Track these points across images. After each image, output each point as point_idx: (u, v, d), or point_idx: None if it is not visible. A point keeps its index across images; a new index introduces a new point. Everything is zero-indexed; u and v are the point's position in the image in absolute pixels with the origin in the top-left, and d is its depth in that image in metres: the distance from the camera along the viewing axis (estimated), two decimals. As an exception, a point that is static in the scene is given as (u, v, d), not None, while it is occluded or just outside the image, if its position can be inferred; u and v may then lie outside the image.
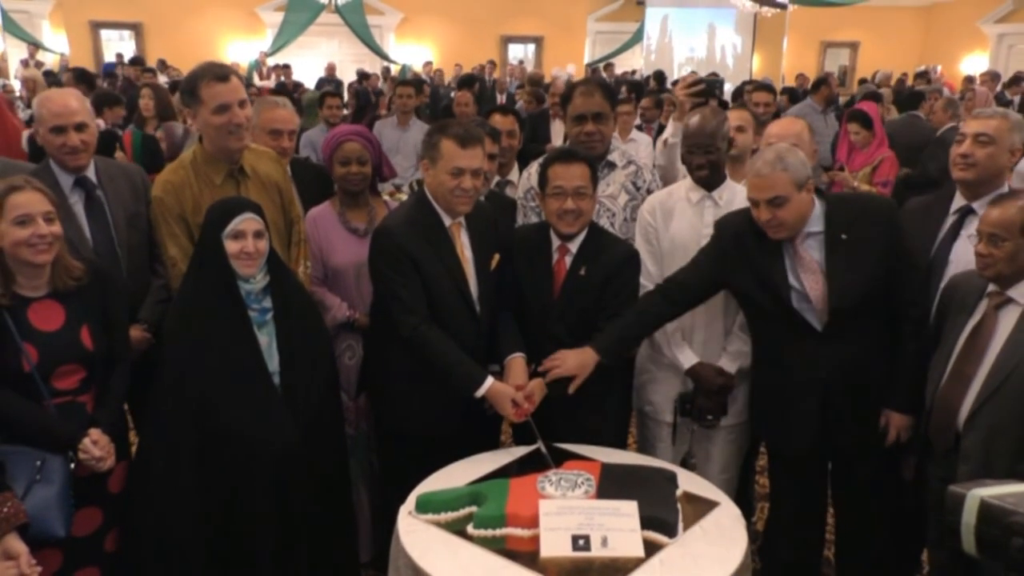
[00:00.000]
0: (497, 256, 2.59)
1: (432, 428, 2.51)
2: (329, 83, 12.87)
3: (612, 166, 2.94)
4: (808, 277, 2.38)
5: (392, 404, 2.61)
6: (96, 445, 2.21)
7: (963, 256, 2.47)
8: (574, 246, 2.61)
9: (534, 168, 2.94)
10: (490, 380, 2.41)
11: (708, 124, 2.66)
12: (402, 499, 2.16)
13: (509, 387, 2.43)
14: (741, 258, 2.45)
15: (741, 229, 2.47)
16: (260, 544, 2.30)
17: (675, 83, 11.38)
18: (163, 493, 2.25)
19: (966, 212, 2.53)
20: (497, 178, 3.46)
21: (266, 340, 2.32)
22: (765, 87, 6.42)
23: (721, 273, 2.50)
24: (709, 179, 2.69)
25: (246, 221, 2.28)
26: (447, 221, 2.49)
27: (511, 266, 2.63)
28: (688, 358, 2.69)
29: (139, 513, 2.30)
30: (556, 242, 2.61)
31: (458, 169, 2.38)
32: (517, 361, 2.53)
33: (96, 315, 2.29)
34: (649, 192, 2.94)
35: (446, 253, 2.47)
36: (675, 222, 2.72)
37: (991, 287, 2.22)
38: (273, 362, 2.33)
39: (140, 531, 2.29)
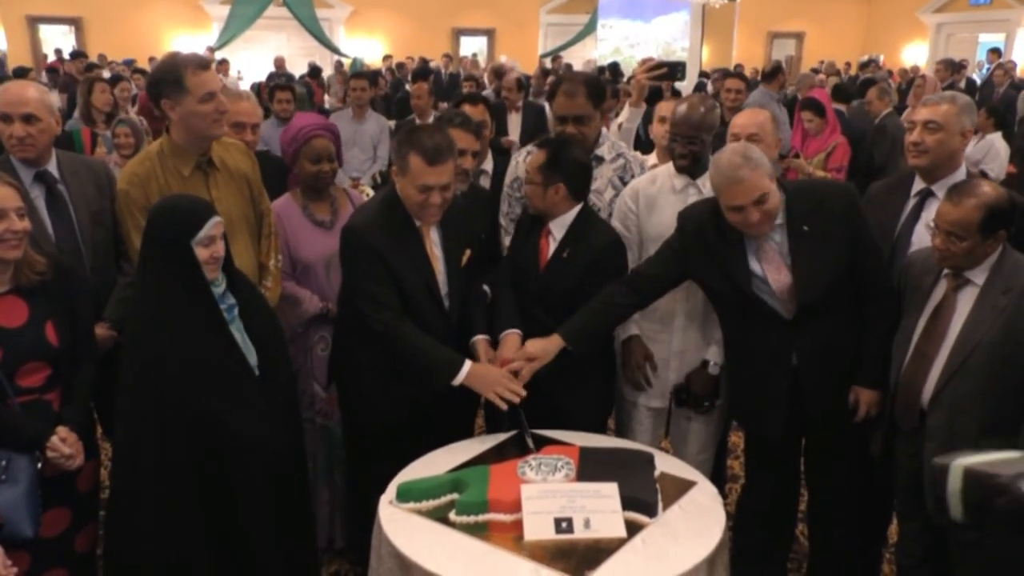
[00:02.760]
0: (468, 252, 2.57)
1: (401, 420, 2.50)
2: (279, 76, 12.63)
3: (600, 160, 2.90)
4: (771, 268, 2.40)
5: (361, 397, 2.59)
6: (65, 443, 2.16)
7: (925, 239, 2.53)
8: (558, 228, 2.63)
9: (522, 157, 2.94)
10: (468, 365, 2.39)
11: (694, 114, 2.66)
12: (374, 488, 2.16)
13: (491, 368, 2.41)
14: (704, 248, 2.46)
15: (703, 221, 2.48)
16: (262, 540, 2.27)
17: (630, 80, 11.50)
18: (158, 497, 2.17)
19: (926, 195, 2.60)
20: None
21: (239, 336, 2.29)
22: (737, 75, 6.40)
23: (684, 263, 2.52)
24: (691, 168, 2.70)
25: (216, 225, 2.21)
26: (417, 221, 2.46)
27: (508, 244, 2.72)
28: (626, 330, 2.73)
29: (129, 519, 2.21)
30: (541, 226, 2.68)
31: (425, 186, 2.34)
32: (511, 337, 2.52)
33: (61, 311, 2.22)
34: None
35: (415, 251, 2.44)
36: (658, 211, 2.73)
37: (946, 271, 2.27)
38: (252, 356, 2.29)
39: (133, 537, 2.21)
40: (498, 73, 10.35)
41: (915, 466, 2.28)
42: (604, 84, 3.32)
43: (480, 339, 2.53)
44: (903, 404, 2.32)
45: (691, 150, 2.66)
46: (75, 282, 2.31)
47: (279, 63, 14.51)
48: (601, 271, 2.57)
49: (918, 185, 2.63)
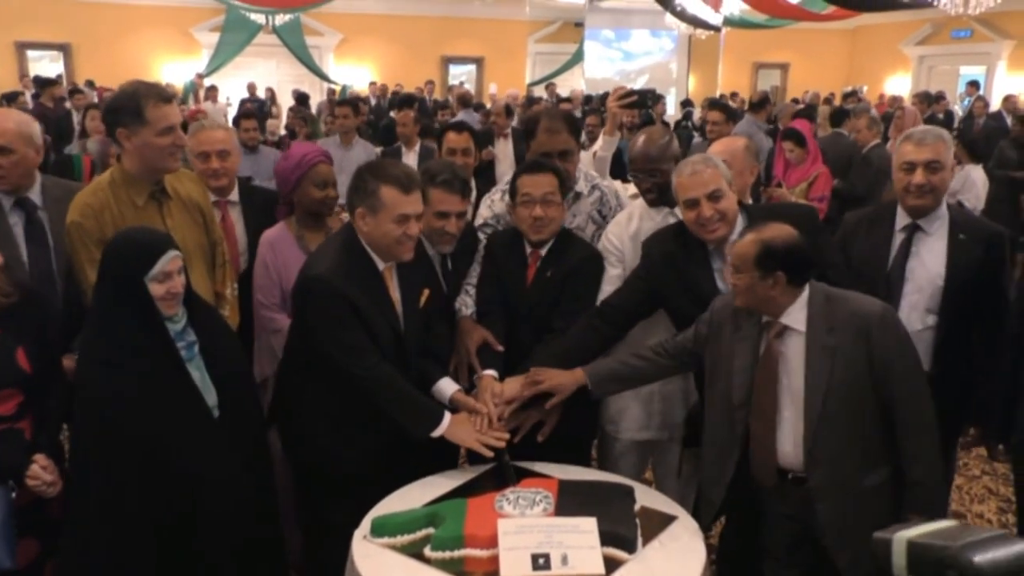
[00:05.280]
0: (427, 292, 2.53)
1: (369, 466, 2.39)
2: (252, 102, 12.54)
3: (579, 196, 2.89)
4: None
5: (318, 448, 2.43)
6: (45, 470, 2.13)
7: (920, 273, 2.58)
8: (544, 252, 2.66)
9: (497, 196, 2.93)
10: (448, 416, 2.35)
11: (652, 148, 2.66)
12: (329, 536, 2.13)
13: (468, 424, 2.37)
14: (670, 272, 2.49)
15: (668, 243, 2.52)
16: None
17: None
18: (110, 539, 2.11)
19: (913, 229, 2.62)
20: None
21: (198, 375, 2.21)
22: (720, 106, 6.40)
23: (653, 290, 2.54)
24: (660, 201, 2.70)
25: (172, 260, 2.13)
26: (380, 265, 2.38)
27: (493, 270, 2.69)
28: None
29: (81, 557, 2.15)
30: (529, 249, 2.68)
31: (403, 216, 2.27)
32: (485, 380, 2.51)
33: (32, 337, 2.19)
34: None
35: (379, 296, 2.37)
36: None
37: (766, 318, 2.20)
38: (211, 396, 2.22)
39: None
40: (464, 101, 10.40)
41: (787, 536, 2.26)
42: (578, 120, 3.35)
43: (456, 393, 2.48)
44: (758, 465, 2.25)
45: (654, 183, 2.67)
46: (45, 307, 2.27)
47: (251, 88, 14.51)
48: (577, 281, 2.62)
49: (903, 219, 2.64)
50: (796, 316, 2.17)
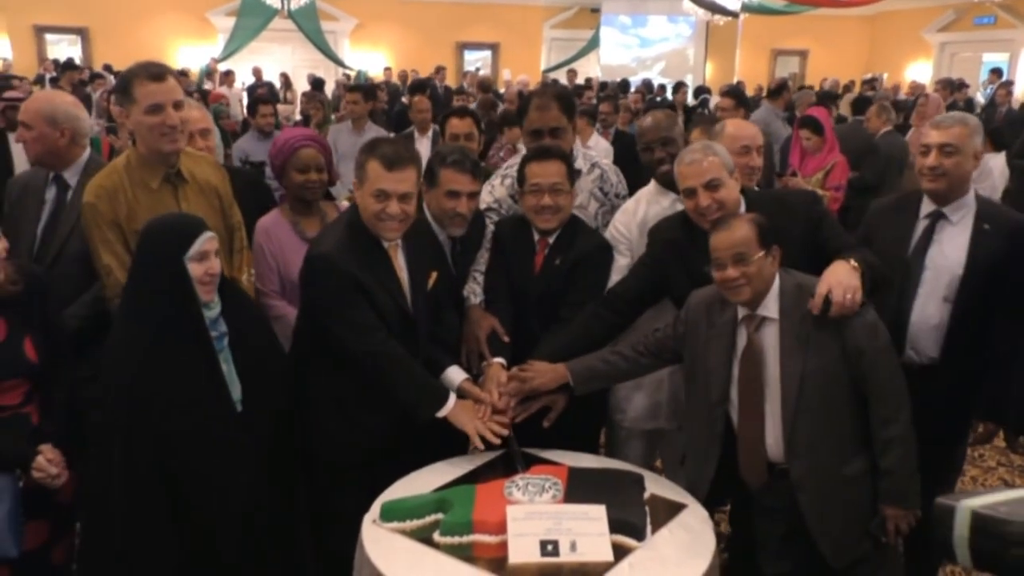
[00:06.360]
0: (435, 274, 2.51)
1: (375, 450, 2.38)
2: (261, 87, 12.48)
3: (577, 173, 2.87)
4: None
5: (326, 431, 2.41)
6: (51, 463, 2.13)
7: (939, 262, 2.54)
8: (553, 240, 2.65)
9: (497, 181, 2.92)
10: (453, 398, 2.35)
11: (662, 122, 2.77)
12: (339, 524, 2.14)
13: (472, 411, 2.36)
14: (675, 260, 2.49)
15: (672, 233, 2.52)
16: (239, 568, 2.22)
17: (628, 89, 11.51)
18: (129, 520, 2.10)
19: (937, 217, 2.58)
20: None
21: (226, 367, 2.20)
22: (730, 93, 6.32)
23: (658, 277, 2.53)
24: (671, 175, 2.65)
25: (209, 240, 2.13)
26: (385, 243, 2.36)
27: (501, 257, 2.69)
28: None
29: (101, 538, 2.16)
30: (537, 237, 2.66)
31: (381, 192, 2.24)
32: (493, 368, 2.50)
33: (37, 325, 2.19)
34: (617, 196, 2.93)
35: (384, 274, 2.35)
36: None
37: (742, 313, 2.20)
38: (236, 390, 2.21)
39: (106, 557, 2.15)
40: (484, 87, 10.37)
41: (778, 528, 2.24)
42: (573, 98, 3.32)
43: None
44: (747, 463, 2.24)
45: (668, 152, 2.69)
46: (49, 292, 2.26)
47: (257, 73, 14.48)
48: (584, 270, 2.61)
49: (928, 207, 2.60)
50: (770, 306, 2.17)
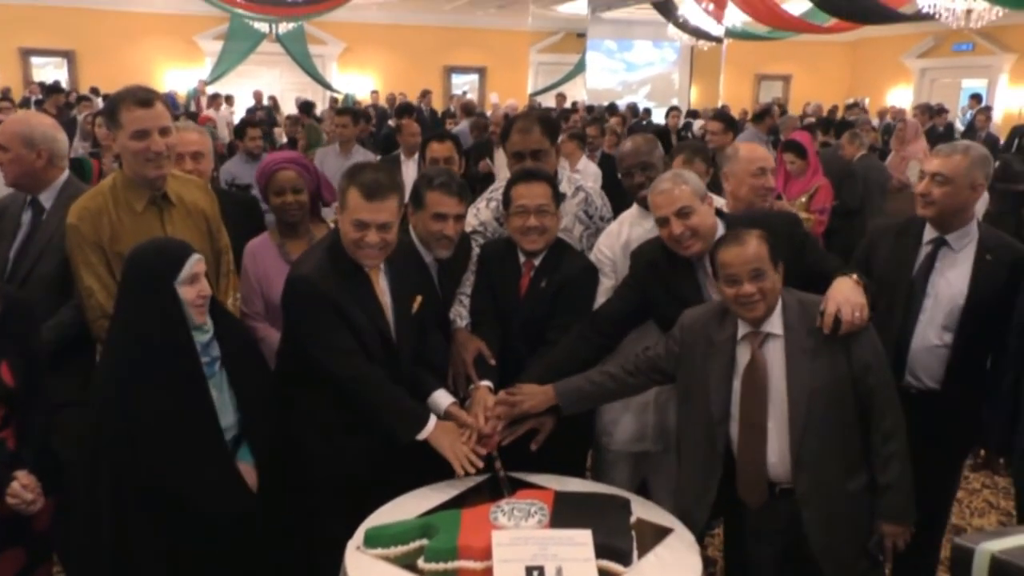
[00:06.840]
0: (419, 298, 2.49)
1: (360, 474, 2.36)
2: (260, 109, 12.53)
3: (562, 197, 2.87)
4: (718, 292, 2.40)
5: (312, 456, 2.38)
6: (26, 489, 2.10)
7: (942, 289, 2.53)
8: (538, 262, 2.65)
9: (482, 204, 2.93)
10: (433, 421, 2.33)
11: (642, 147, 2.85)
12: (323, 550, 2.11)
13: (454, 434, 2.34)
14: (657, 280, 2.50)
15: (654, 255, 2.53)
16: None
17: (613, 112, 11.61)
18: (119, 567, 2.07)
19: (939, 243, 2.57)
20: None
21: (217, 394, 2.17)
22: (719, 117, 6.38)
23: (641, 299, 2.54)
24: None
25: (198, 263, 2.12)
26: (366, 267, 2.35)
27: (487, 279, 2.68)
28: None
29: (85, 555, 2.13)
30: (523, 259, 2.67)
31: (360, 222, 2.23)
32: (480, 391, 2.48)
33: (15, 349, 2.16)
34: (602, 219, 2.94)
35: (365, 298, 2.34)
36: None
37: (743, 330, 2.19)
38: (227, 416, 2.19)
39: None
40: (467, 110, 10.44)
41: (772, 550, 2.24)
42: (556, 121, 3.36)
43: (451, 405, 2.45)
44: (747, 482, 2.23)
45: (648, 176, 2.73)
46: (27, 316, 2.24)
47: (257, 97, 14.56)
48: (570, 293, 2.61)
49: (930, 233, 2.59)
50: (775, 322, 2.18)
